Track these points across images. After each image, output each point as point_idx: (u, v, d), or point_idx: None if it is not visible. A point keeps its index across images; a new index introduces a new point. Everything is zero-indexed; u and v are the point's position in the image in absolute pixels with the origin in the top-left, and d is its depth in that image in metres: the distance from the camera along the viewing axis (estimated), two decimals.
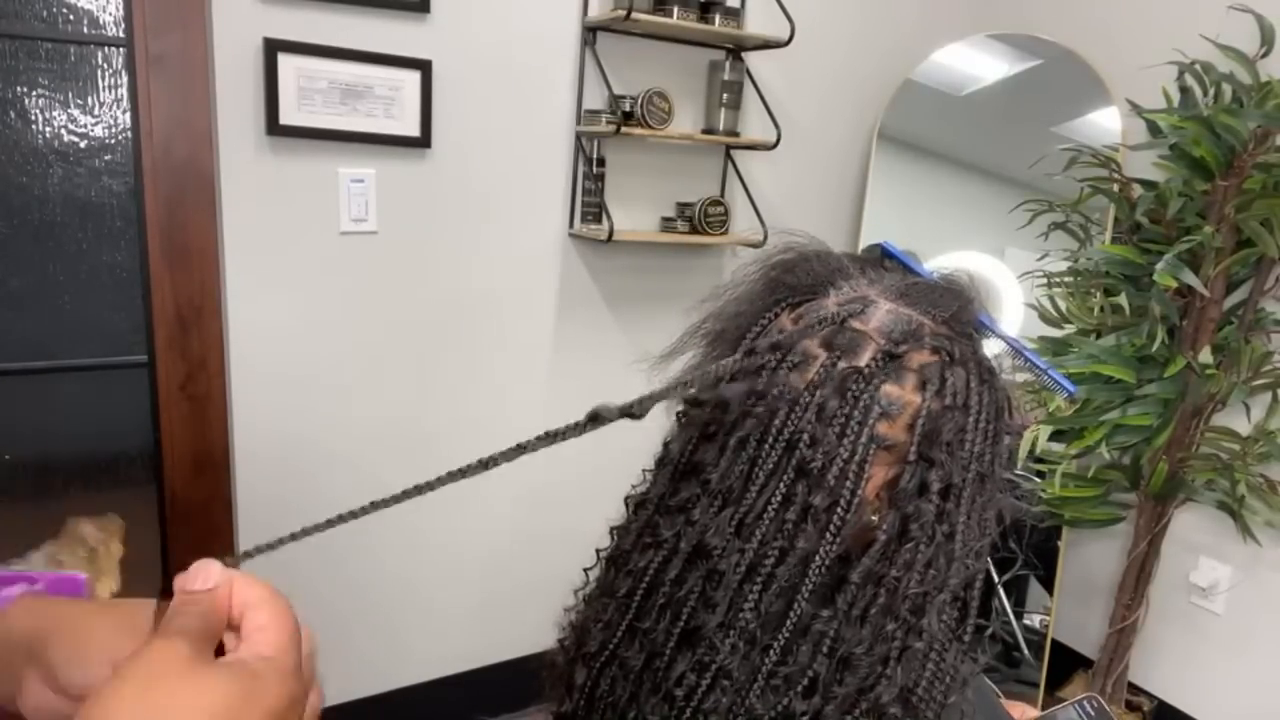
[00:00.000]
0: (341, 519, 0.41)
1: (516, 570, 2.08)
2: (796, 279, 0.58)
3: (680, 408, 0.61)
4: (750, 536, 0.52)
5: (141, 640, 0.36)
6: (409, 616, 1.99)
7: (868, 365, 0.52)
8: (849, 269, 0.58)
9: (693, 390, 0.53)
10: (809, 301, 0.57)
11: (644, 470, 0.62)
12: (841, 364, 0.52)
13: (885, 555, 0.52)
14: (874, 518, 0.53)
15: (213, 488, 1.77)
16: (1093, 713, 0.78)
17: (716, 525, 0.53)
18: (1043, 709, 0.79)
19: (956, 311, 0.56)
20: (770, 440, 0.53)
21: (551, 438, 0.38)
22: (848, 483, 0.51)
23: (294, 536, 0.41)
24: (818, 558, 0.51)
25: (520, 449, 0.38)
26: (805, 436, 0.52)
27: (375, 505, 0.41)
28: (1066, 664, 2.25)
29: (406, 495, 0.40)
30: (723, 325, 0.60)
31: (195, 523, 1.78)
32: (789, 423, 0.52)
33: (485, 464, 0.39)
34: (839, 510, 0.51)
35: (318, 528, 0.41)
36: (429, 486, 0.40)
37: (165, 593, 0.38)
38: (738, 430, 0.54)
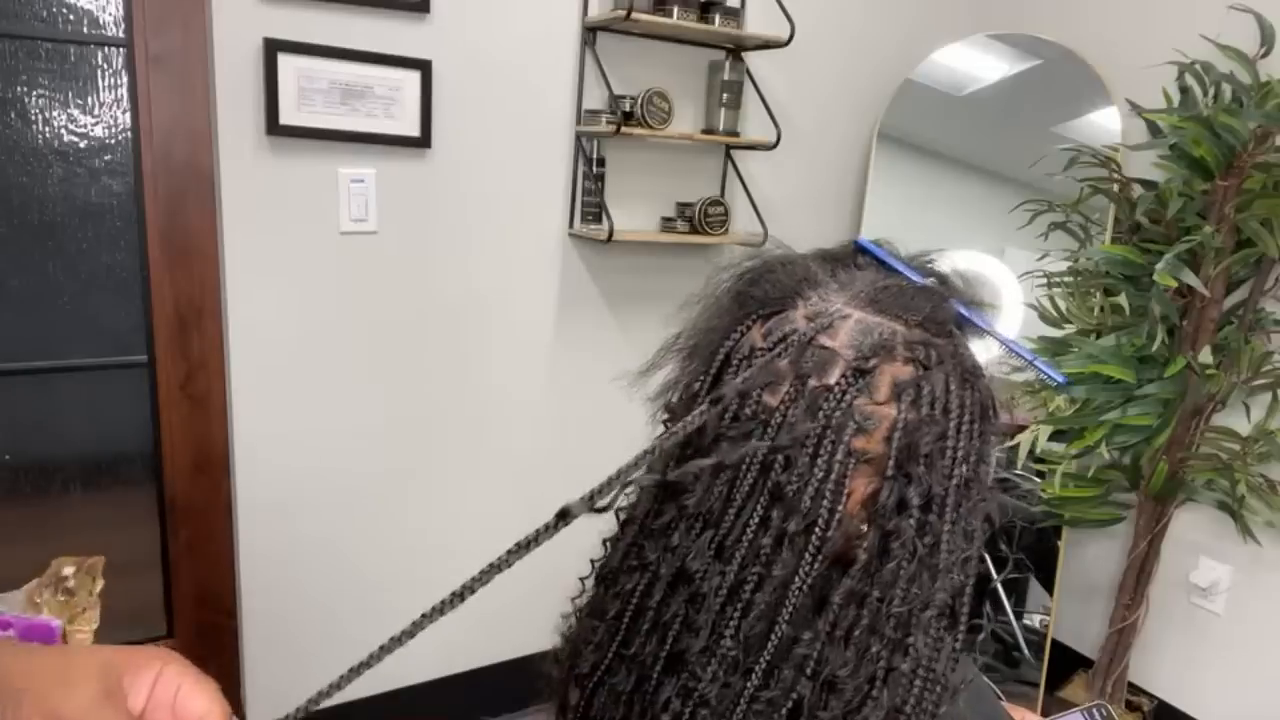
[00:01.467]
0: (357, 670, 0.42)
1: (517, 570, 2.08)
2: (763, 291, 0.56)
3: (664, 416, 0.60)
4: (730, 559, 0.51)
5: (76, 691, 0.38)
6: (409, 616, 1.98)
7: (838, 383, 0.51)
8: (817, 275, 0.56)
9: (656, 473, 0.52)
10: (778, 314, 0.55)
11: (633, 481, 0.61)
12: (811, 383, 0.51)
13: (867, 574, 0.51)
14: (863, 527, 0.52)
15: (213, 488, 1.77)
16: None
17: (697, 549, 0.52)
18: (1044, 712, 0.78)
19: (930, 312, 0.54)
20: (745, 463, 0.52)
21: (524, 547, 0.37)
22: (824, 503, 0.50)
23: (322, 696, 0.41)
24: (796, 580, 0.50)
25: (495, 568, 0.38)
26: (780, 458, 0.51)
27: (392, 643, 0.41)
28: (1066, 664, 2.25)
29: (416, 629, 0.40)
30: (696, 340, 0.59)
31: (195, 523, 1.78)
32: (762, 443, 0.51)
33: (461, 595, 0.39)
34: (816, 532, 0.50)
35: (335, 686, 0.42)
36: (417, 627, 0.39)
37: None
38: (713, 453, 0.52)
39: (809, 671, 0.50)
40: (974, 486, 0.53)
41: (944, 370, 0.52)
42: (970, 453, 0.53)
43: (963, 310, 0.56)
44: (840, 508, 0.50)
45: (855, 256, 0.59)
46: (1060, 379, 0.58)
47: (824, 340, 0.52)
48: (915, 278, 0.57)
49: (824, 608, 0.51)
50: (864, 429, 0.51)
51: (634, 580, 0.55)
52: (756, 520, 0.51)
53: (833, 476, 0.50)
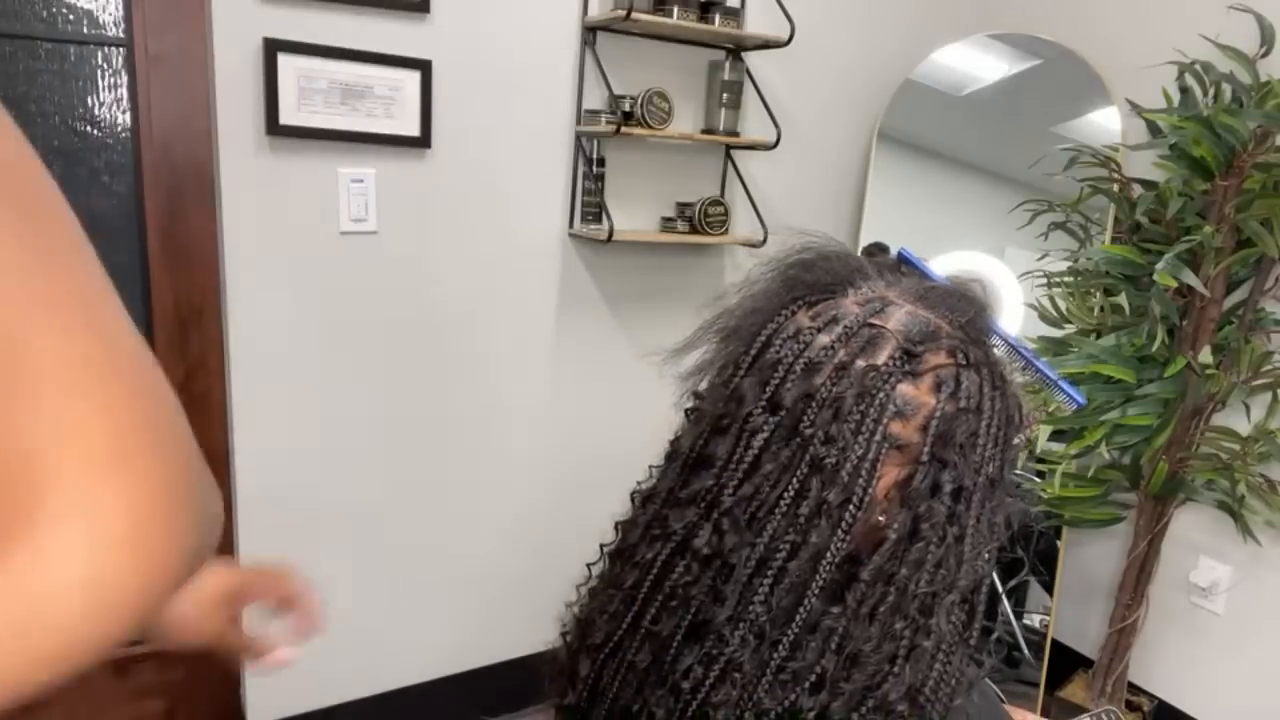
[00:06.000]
0: None
1: (518, 569, 2.08)
2: (815, 277, 0.58)
3: (690, 402, 0.61)
4: (762, 530, 0.52)
5: None
6: (410, 616, 1.99)
7: (885, 364, 0.53)
8: (867, 270, 0.59)
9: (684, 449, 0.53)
10: (827, 300, 0.57)
11: (650, 466, 0.62)
12: (859, 362, 0.53)
13: (896, 554, 0.52)
14: (881, 518, 0.53)
15: None
16: None
17: (728, 519, 0.53)
18: (1044, 712, 0.79)
19: (973, 317, 0.56)
20: (784, 435, 0.53)
21: None
22: (860, 480, 0.52)
23: None
24: (828, 554, 0.52)
25: None
26: (820, 433, 0.52)
27: None
28: (1066, 664, 2.25)
29: None
30: (737, 322, 0.60)
31: None
32: (804, 418, 0.52)
33: None
34: (851, 507, 0.51)
35: None
36: None
37: None
38: (751, 423, 0.54)
39: (834, 645, 0.52)
40: (998, 486, 0.55)
41: (980, 371, 0.55)
42: (996, 454, 0.54)
43: (998, 327, 0.58)
44: (873, 488, 0.52)
45: (898, 266, 0.61)
46: (1082, 401, 0.59)
47: (875, 322, 0.54)
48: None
49: (852, 584, 0.52)
50: (903, 414, 0.53)
51: (655, 550, 0.56)
52: (793, 491, 0.52)
53: (870, 456, 0.52)
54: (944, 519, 0.52)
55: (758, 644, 0.52)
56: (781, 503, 0.52)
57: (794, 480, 0.52)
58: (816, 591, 0.52)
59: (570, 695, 0.60)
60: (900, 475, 0.53)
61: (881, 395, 0.52)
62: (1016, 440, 0.56)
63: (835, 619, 0.52)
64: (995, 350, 0.58)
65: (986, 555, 0.54)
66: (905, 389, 0.53)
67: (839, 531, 0.51)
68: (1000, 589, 2.12)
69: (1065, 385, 0.59)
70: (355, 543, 1.87)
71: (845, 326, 0.54)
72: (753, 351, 0.57)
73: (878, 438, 0.52)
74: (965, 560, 0.53)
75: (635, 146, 1.99)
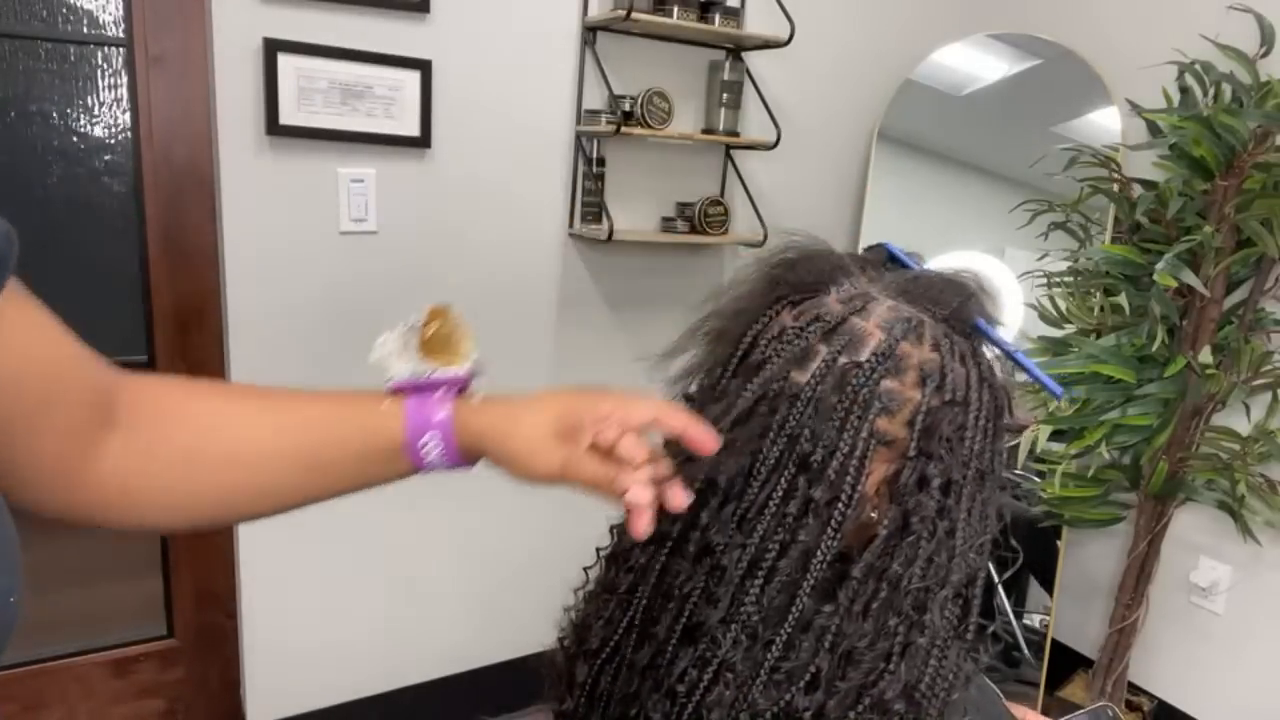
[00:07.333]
0: None
1: (517, 569, 2.08)
2: (798, 276, 0.58)
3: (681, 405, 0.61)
4: (752, 531, 0.52)
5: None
6: (409, 616, 1.99)
7: (868, 361, 0.53)
8: (850, 267, 0.58)
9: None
10: (810, 299, 0.57)
11: None
12: (842, 359, 0.53)
13: (887, 550, 0.52)
14: (872, 515, 0.53)
15: None
16: None
17: (719, 521, 0.53)
18: (1044, 712, 0.79)
19: (956, 310, 0.56)
20: (772, 435, 0.53)
21: None
22: (848, 478, 0.51)
23: None
24: (819, 552, 0.51)
25: None
26: (806, 431, 0.52)
27: None
28: (1066, 664, 2.25)
29: None
30: (723, 324, 0.60)
31: None
32: (790, 417, 0.53)
33: None
34: (839, 505, 0.51)
35: None
36: None
37: None
38: (738, 426, 0.54)
39: (828, 644, 0.52)
40: (988, 479, 0.55)
41: (965, 364, 0.55)
42: (985, 446, 0.54)
43: (980, 319, 0.58)
44: (861, 485, 0.52)
45: (884, 262, 0.61)
46: (1058, 392, 0.59)
47: (856, 320, 0.54)
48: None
49: (844, 582, 0.52)
50: (889, 409, 0.52)
51: (649, 555, 0.56)
52: (782, 490, 0.52)
53: (857, 453, 0.52)
54: (934, 513, 0.52)
55: (750, 644, 0.52)
56: (771, 503, 0.52)
57: (782, 480, 0.52)
58: (809, 590, 0.51)
59: (568, 701, 0.60)
60: (889, 471, 0.53)
61: (865, 392, 0.52)
62: (1005, 433, 0.56)
63: (828, 617, 0.52)
64: (982, 343, 0.58)
65: (979, 549, 0.54)
66: (889, 384, 0.53)
67: (829, 529, 0.51)
68: (996, 580, 2.12)
69: (1043, 376, 0.59)
70: (356, 542, 1.87)
71: (828, 324, 0.54)
72: (739, 353, 0.57)
73: (863, 435, 0.52)
74: (957, 554, 0.53)
75: (635, 146, 1.99)
